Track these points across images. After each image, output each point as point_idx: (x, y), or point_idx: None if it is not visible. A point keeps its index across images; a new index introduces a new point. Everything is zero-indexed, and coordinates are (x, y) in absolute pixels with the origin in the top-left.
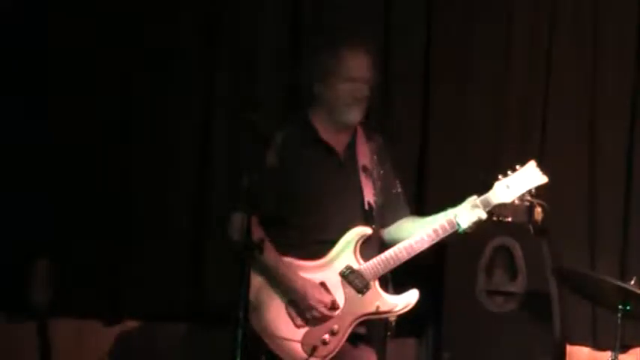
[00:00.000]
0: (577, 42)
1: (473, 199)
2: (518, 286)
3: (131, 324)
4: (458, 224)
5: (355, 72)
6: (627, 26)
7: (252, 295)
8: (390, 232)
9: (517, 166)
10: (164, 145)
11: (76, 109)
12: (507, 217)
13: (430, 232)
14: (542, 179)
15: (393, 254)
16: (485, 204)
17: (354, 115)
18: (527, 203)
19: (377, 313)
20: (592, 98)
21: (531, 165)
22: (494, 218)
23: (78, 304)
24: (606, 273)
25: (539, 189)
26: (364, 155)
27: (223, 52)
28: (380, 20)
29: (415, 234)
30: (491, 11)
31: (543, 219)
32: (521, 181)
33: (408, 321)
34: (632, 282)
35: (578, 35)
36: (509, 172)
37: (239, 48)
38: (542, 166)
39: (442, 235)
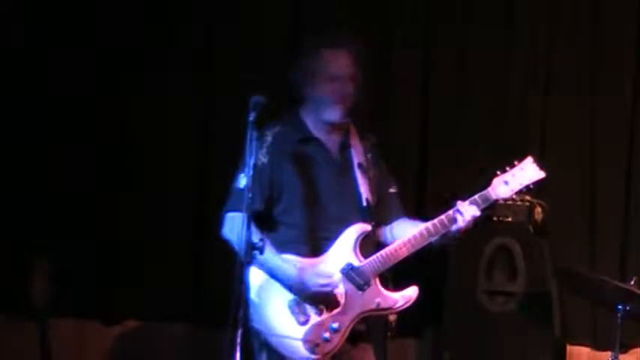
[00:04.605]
0: (577, 42)
1: (470, 198)
2: (518, 286)
3: (131, 324)
4: (455, 220)
5: (336, 70)
6: (627, 26)
7: (253, 294)
8: (387, 232)
9: (515, 162)
10: (164, 145)
11: (75, 108)
12: (507, 217)
13: (430, 227)
14: (540, 174)
15: (392, 251)
16: (484, 200)
17: (338, 114)
18: (527, 203)
19: (378, 309)
20: (592, 98)
21: (529, 160)
22: (495, 218)
23: (78, 304)
24: (606, 273)
25: (539, 187)
26: (359, 153)
27: (224, 51)
28: (380, 20)
29: (410, 234)
30: (491, 11)
31: (543, 219)
32: (520, 177)
33: (408, 321)
34: (632, 282)
35: (578, 35)
36: (507, 168)
37: (240, 47)
38: (543, 166)
39: (441, 230)
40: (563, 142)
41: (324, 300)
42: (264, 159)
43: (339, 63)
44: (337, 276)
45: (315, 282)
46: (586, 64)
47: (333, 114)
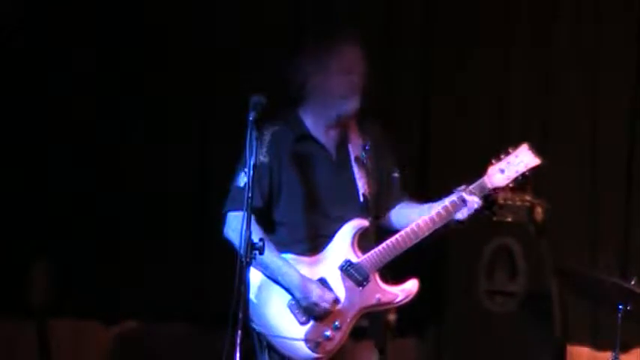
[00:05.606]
0: (577, 42)
1: (468, 188)
2: (518, 286)
3: (131, 324)
4: (455, 212)
5: (350, 63)
6: (627, 26)
7: (253, 294)
8: (390, 218)
9: (510, 149)
10: (164, 145)
11: (75, 109)
12: (507, 217)
13: (427, 219)
14: (535, 160)
15: (391, 245)
16: (480, 189)
17: (351, 106)
18: (528, 203)
19: (378, 304)
20: (592, 98)
21: (524, 147)
22: (495, 218)
23: (78, 304)
24: (606, 273)
25: (535, 174)
26: (357, 148)
27: (224, 51)
28: (380, 19)
29: (411, 222)
30: (491, 11)
31: (543, 219)
32: (515, 164)
33: (408, 321)
34: (632, 282)
35: (578, 35)
36: (501, 156)
37: (240, 47)
38: (539, 155)
39: (439, 222)
40: (563, 142)
41: (325, 312)
42: (263, 159)
43: (352, 56)
44: (341, 291)
45: (319, 297)
46: (586, 64)
47: (347, 107)
